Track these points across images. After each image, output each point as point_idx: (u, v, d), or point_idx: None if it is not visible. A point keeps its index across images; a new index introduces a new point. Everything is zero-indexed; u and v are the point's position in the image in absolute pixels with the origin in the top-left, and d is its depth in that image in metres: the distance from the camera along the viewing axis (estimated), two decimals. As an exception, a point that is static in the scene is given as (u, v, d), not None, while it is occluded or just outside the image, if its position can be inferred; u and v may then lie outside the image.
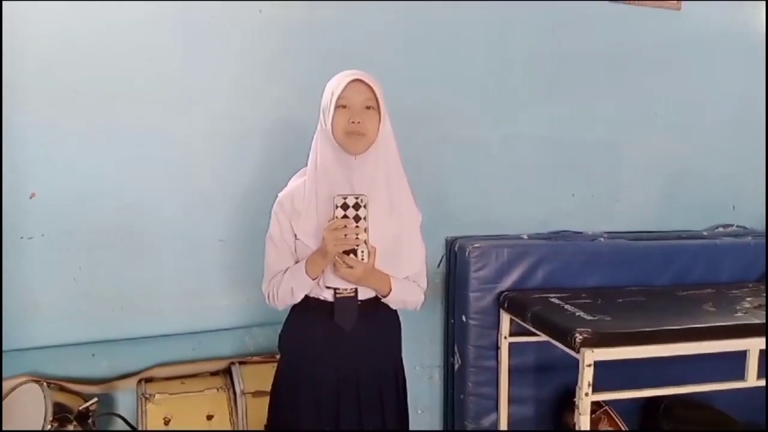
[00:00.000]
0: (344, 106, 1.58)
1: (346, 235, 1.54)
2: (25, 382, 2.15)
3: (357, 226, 1.54)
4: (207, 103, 2.32)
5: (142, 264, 2.31)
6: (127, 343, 2.32)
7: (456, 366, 2.60)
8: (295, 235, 1.65)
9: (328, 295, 1.66)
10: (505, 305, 2.44)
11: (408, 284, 1.71)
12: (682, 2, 2.89)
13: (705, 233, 2.96)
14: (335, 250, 1.55)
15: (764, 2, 3.00)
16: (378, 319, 1.71)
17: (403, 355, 1.81)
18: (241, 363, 2.36)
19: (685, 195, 2.99)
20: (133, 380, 2.30)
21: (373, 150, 1.61)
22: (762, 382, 2.10)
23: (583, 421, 1.97)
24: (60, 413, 2.05)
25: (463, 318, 2.53)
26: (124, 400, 2.32)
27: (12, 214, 2.15)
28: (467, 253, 2.49)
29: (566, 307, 2.27)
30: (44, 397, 2.07)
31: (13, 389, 2.14)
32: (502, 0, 2.62)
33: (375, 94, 1.58)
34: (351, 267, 1.56)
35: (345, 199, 1.54)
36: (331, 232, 1.54)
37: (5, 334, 2.14)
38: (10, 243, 2.16)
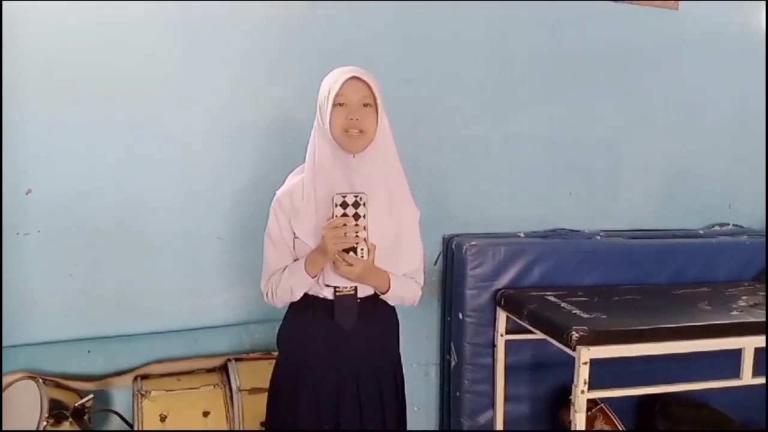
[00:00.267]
0: (342, 104, 1.57)
1: (345, 234, 1.54)
2: (21, 379, 2.14)
3: (356, 225, 1.54)
4: (205, 102, 2.31)
5: (139, 261, 2.30)
6: (124, 339, 2.32)
7: (452, 363, 2.61)
8: (294, 234, 1.65)
9: (327, 293, 1.65)
10: (502, 303, 2.44)
11: (406, 281, 1.71)
12: (680, 2, 2.89)
13: (701, 232, 2.96)
14: (335, 248, 1.54)
15: (764, 2, 3.00)
16: (377, 317, 1.71)
17: (401, 352, 1.81)
18: (237, 360, 2.37)
19: (682, 194, 3.00)
20: (130, 377, 2.31)
21: (371, 148, 1.60)
22: (757, 380, 2.11)
23: (579, 418, 1.98)
24: (56, 410, 2.06)
25: (460, 315, 2.53)
26: (120, 396, 2.33)
27: (10, 211, 2.15)
28: (464, 250, 2.49)
29: (563, 305, 2.27)
30: (40, 393, 2.07)
31: (8, 386, 2.13)
32: (502, 0, 2.62)
33: (372, 92, 1.58)
34: (351, 265, 1.56)
35: (344, 197, 1.54)
36: (331, 231, 1.54)
37: (2, 331, 2.13)
38: (9, 240, 2.15)
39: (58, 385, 2.20)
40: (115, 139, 2.22)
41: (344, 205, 1.54)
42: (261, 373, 2.03)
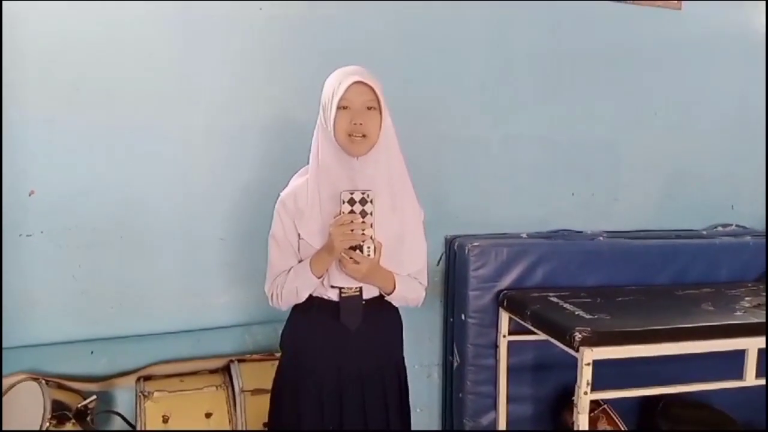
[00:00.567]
0: (345, 107, 1.57)
1: (352, 230, 1.54)
2: (23, 380, 2.14)
3: (363, 222, 1.54)
4: (205, 102, 2.31)
5: (141, 262, 2.30)
6: (126, 340, 2.32)
7: (455, 364, 2.60)
8: (299, 235, 1.64)
9: (332, 295, 1.65)
10: (504, 304, 2.44)
11: (410, 281, 1.71)
12: (683, 2, 2.89)
13: (704, 233, 2.96)
14: (342, 245, 1.55)
15: (764, 2, 3.00)
16: (381, 318, 1.71)
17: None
18: (240, 361, 2.36)
19: (684, 194, 3.00)
20: (132, 378, 2.30)
21: (374, 151, 1.60)
22: (760, 382, 2.10)
23: (582, 419, 1.98)
24: (58, 411, 2.06)
25: (462, 316, 2.53)
26: (123, 397, 2.33)
27: (11, 212, 2.14)
28: (467, 251, 2.49)
29: (565, 306, 2.27)
30: (42, 394, 2.07)
31: (11, 387, 2.13)
32: (502, 0, 2.62)
33: (376, 95, 1.57)
34: (357, 263, 1.56)
35: (352, 194, 1.55)
36: (338, 227, 1.54)
37: (4, 332, 2.13)
38: (9, 240, 2.15)
39: (61, 387, 2.20)
40: (115, 139, 2.22)
41: (351, 201, 1.54)
42: (264, 375, 2.03)
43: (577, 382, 1.97)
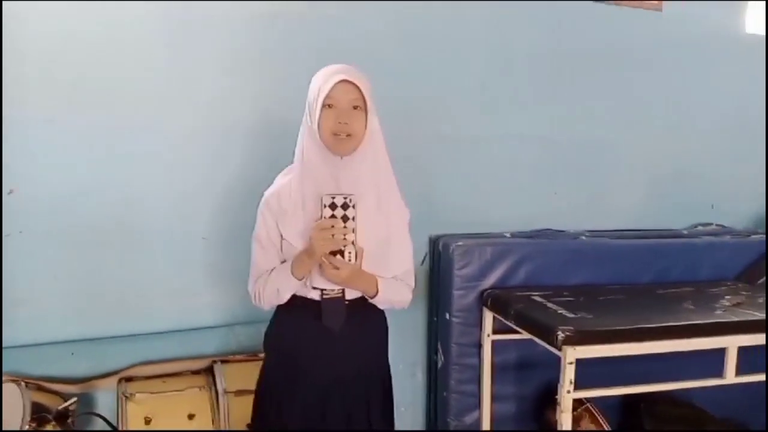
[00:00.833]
0: (331, 106, 1.56)
1: (333, 236, 1.52)
2: (3, 382, 2.11)
3: (345, 227, 1.52)
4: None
5: (123, 262, 2.27)
6: (108, 341, 2.29)
7: (439, 364, 2.61)
8: (282, 235, 1.63)
9: (315, 295, 1.64)
10: (488, 303, 2.45)
11: (395, 284, 1.70)
12: (664, 2, 2.91)
13: (685, 232, 2.99)
14: (322, 250, 1.53)
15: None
16: (365, 320, 1.70)
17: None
18: (223, 361, 2.35)
19: (666, 194, 3.03)
20: (114, 379, 2.28)
21: (360, 150, 1.59)
22: (740, 379, 2.13)
23: (565, 418, 1.99)
24: (38, 413, 2.03)
25: (447, 316, 2.53)
26: (105, 399, 2.30)
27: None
28: (451, 251, 2.49)
29: (548, 305, 2.28)
30: (22, 397, 2.04)
31: (-11, 389, 2.10)
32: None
33: (362, 94, 1.56)
34: (337, 268, 1.54)
35: (333, 198, 1.52)
36: (319, 232, 1.52)
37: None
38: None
39: (41, 388, 2.17)
40: (96, 139, 2.19)
41: (333, 206, 1.52)
42: (247, 375, 2.01)
43: (560, 381, 1.98)
